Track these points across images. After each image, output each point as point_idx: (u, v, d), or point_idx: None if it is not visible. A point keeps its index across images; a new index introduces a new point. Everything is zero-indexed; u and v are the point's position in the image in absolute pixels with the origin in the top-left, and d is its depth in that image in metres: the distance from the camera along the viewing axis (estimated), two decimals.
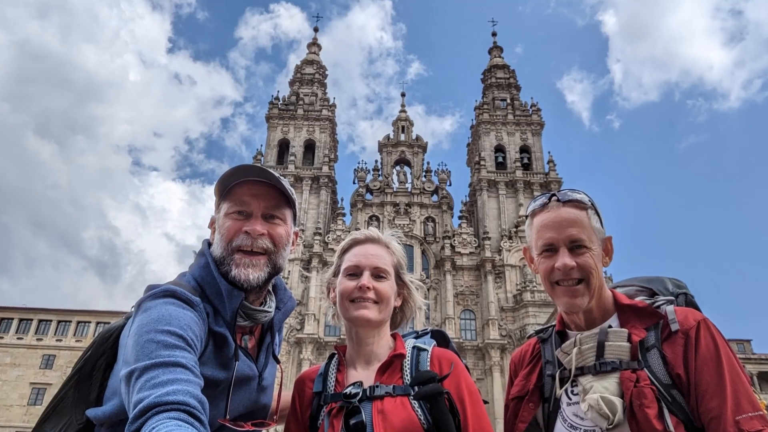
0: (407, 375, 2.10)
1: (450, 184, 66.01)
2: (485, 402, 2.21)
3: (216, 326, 1.97)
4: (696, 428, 1.87)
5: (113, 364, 1.99)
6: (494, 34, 77.77)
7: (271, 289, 2.24)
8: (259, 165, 2.15)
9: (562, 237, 2.11)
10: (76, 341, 55.89)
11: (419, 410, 1.99)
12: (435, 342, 2.32)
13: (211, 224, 2.20)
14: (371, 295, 2.18)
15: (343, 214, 62.58)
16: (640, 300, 2.17)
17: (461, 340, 53.30)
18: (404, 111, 72.74)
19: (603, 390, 1.97)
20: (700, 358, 1.90)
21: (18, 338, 56.44)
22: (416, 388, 2.03)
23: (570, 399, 2.10)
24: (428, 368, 2.11)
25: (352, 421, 2.00)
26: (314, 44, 77.61)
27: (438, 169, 66.63)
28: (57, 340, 56.47)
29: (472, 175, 67.73)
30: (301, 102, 69.46)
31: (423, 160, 67.79)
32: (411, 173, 66.36)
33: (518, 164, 64.17)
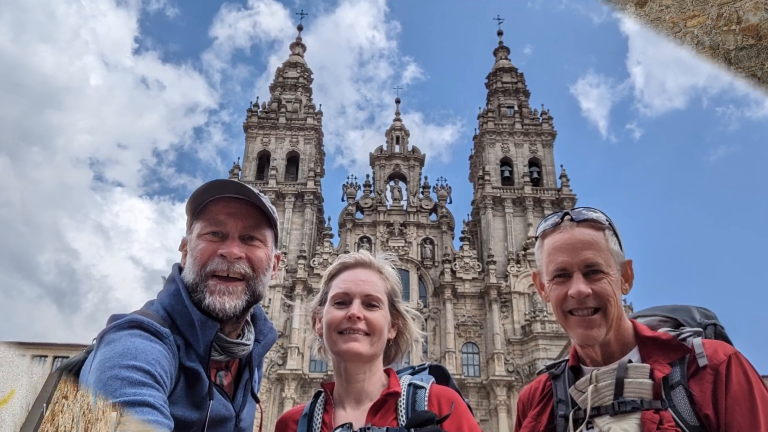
0: (402, 416, 2.10)
1: (450, 202, 66.23)
2: None
3: (188, 361, 1.96)
4: None
5: None
6: (500, 34, 78.43)
7: (249, 320, 2.23)
8: (236, 180, 2.15)
9: (576, 261, 2.11)
10: None
11: None
12: (434, 379, 2.32)
13: (183, 246, 2.21)
14: (362, 326, 2.18)
15: (331, 236, 62.49)
16: (664, 332, 2.17)
17: (463, 377, 53.08)
18: (399, 119, 73.04)
19: None
20: (731, 397, 1.90)
21: None
22: (413, 430, 2.03)
23: None
24: (426, 408, 2.11)
25: None
26: (298, 45, 78.02)
27: (437, 184, 66.84)
28: None
29: (475, 191, 67.93)
30: (283, 109, 69.60)
31: (420, 174, 67.91)
32: (407, 189, 66.42)
33: (527, 179, 64.35)
